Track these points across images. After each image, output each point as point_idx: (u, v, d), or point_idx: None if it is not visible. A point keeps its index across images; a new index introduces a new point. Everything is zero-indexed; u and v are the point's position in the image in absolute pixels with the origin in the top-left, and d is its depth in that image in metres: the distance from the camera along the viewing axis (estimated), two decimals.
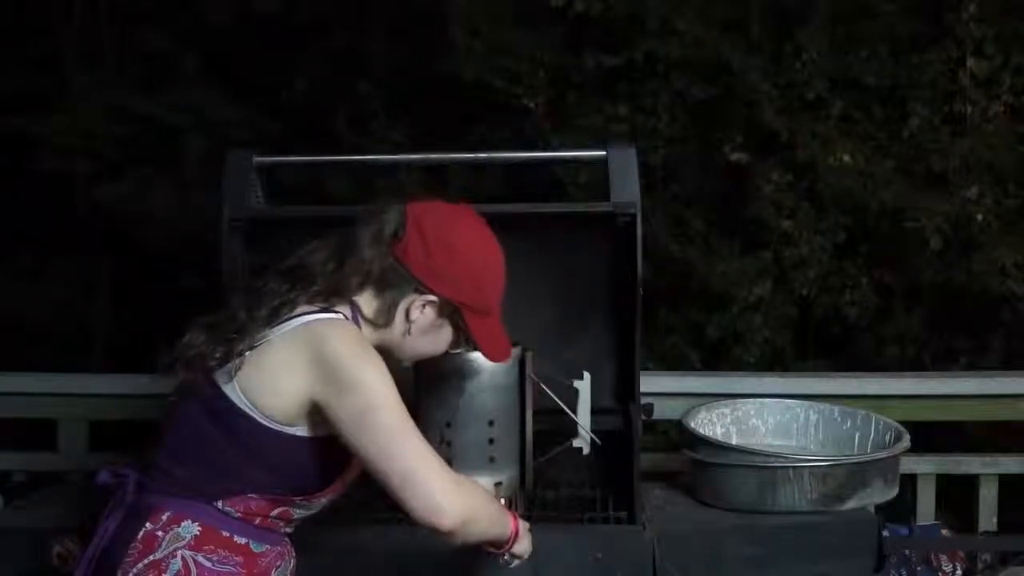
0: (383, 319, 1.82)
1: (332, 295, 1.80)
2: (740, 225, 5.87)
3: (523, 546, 1.95)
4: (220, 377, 1.75)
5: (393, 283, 1.81)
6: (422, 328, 1.84)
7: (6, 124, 6.24)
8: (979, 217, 5.47)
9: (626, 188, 2.62)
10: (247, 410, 1.73)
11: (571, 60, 5.95)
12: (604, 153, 2.71)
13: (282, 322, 1.76)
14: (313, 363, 1.71)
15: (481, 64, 5.80)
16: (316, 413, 1.75)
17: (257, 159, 2.75)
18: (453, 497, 1.72)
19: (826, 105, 5.65)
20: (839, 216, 5.69)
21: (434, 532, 1.73)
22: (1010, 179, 5.59)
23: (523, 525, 1.95)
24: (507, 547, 1.92)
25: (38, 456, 3.79)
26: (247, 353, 1.74)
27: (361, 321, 1.81)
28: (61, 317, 6.89)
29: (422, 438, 1.75)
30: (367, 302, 1.82)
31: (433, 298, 1.82)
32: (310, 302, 1.78)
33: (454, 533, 1.74)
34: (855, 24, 5.79)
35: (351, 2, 6.43)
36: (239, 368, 1.74)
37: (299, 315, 1.76)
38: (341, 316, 1.78)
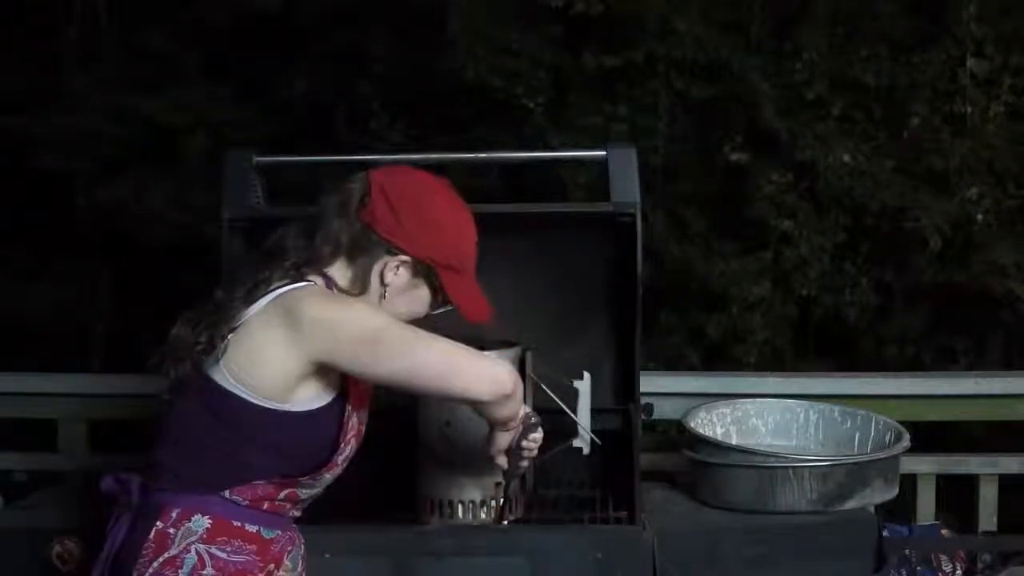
0: (358, 287, 1.82)
1: (304, 267, 1.82)
2: (740, 225, 5.87)
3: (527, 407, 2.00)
4: (208, 365, 1.76)
5: (364, 248, 1.82)
6: (398, 289, 1.85)
7: (6, 124, 6.24)
8: (979, 217, 5.47)
9: (626, 188, 2.62)
10: (239, 393, 1.73)
11: (571, 60, 5.95)
12: (604, 153, 2.71)
13: (257, 300, 1.77)
14: (295, 330, 1.71)
15: (481, 64, 5.80)
16: (319, 378, 1.75)
17: (257, 159, 2.75)
18: (495, 363, 1.82)
19: (826, 105, 5.65)
20: (839, 216, 5.69)
21: (500, 401, 1.80)
22: (1010, 179, 5.59)
23: None
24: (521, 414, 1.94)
25: (38, 456, 3.79)
26: (229, 336, 1.75)
27: (336, 292, 1.82)
28: (61, 317, 6.88)
29: (432, 333, 1.77)
30: (340, 272, 1.83)
31: (406, 258, 1.83)
32: (283, 277, 1.79)
33: (515, 392, 1.82)
34: (855, 24, 5.79)
35: (351, 2, 6.43)
36: (224, 352, 1.74)
37: (272, 290, 1.77)
38: (311, 283, 1.79)
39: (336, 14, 6.46)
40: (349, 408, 1.83)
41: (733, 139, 5.75)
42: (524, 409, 1.95)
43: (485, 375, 1.77)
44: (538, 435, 1.98)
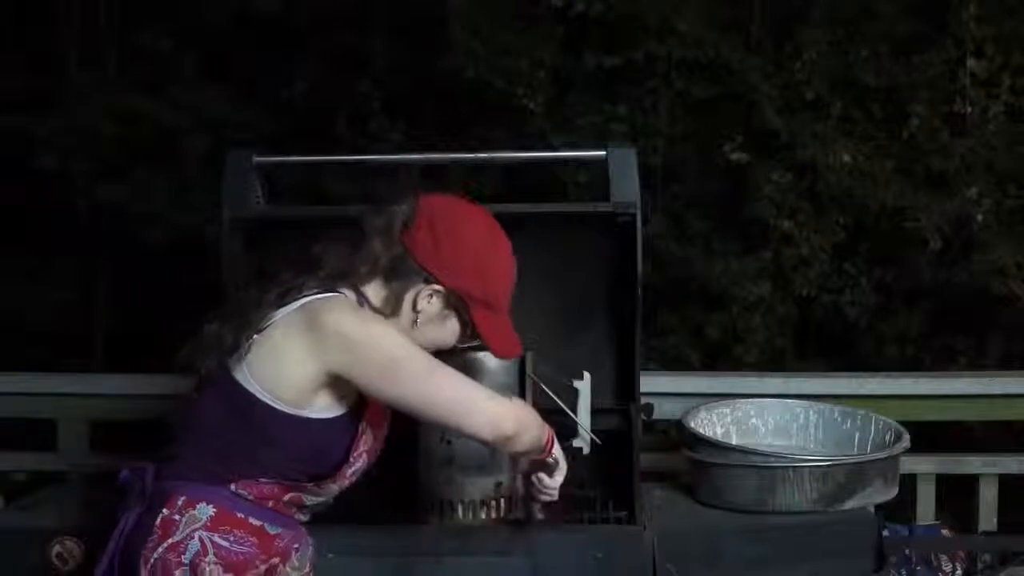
0: (390, 309, 1.84)
1: (337, 280, 1.83)
2: (740, 225, 5.88)
3: (559, 451, 1.99)
4: (232, 363, 1.78)
5: (401, 272, 1.83)
6: (428, 318, 1.86)
7: (6, 124, 6.23)
8: (979, 217, 5.47)
9: (626, 188, 2.63)
10: (257, 394, 1.76)
11: (571, 60, 5.95)
12: (604, 153, 2.71)
13: (287, 304, 1.79)
14: (316, 338, 1.74)
15: (481, 64, 5.80)
16: (334, 388, 1.77)
17: (257, 159, 2.74)
18: (502, 404, 1.82)
19: (826, 105, 5.66)
20: (839, 216, 5.70)
21: (502, 443, 1.83)
22: (1010, 179, 5.59)
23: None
24: (549, 450, 1.95)
25: (38, 456, 3.79)
26: (255, 337, 1.77)
27: (367, 308, 1.83)
28: (61, 317, 6.88)
29: (445, 366, 1.79)
30: (375, 292, 1.85)
31: (440, 288, 1.83)
32: (315, 286, 1.81)
33: (518, 435, 1.83)
34: (855, 24, 5.79)
35: (351, 2, 6.43)
36: (248, 352, 1.77)
37: (303, 296, 1.79)
38: (341, 295, 1.81)
39: (336, 14, 6.46)
40: (364, 424, 1.84)
41: (733, 139, 5.75)
42: (556, 452, 1.97)
43: (489, 417, 1.79)
44: (551, 480, 1.99)
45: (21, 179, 6.46)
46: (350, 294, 1.82)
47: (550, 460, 1.96)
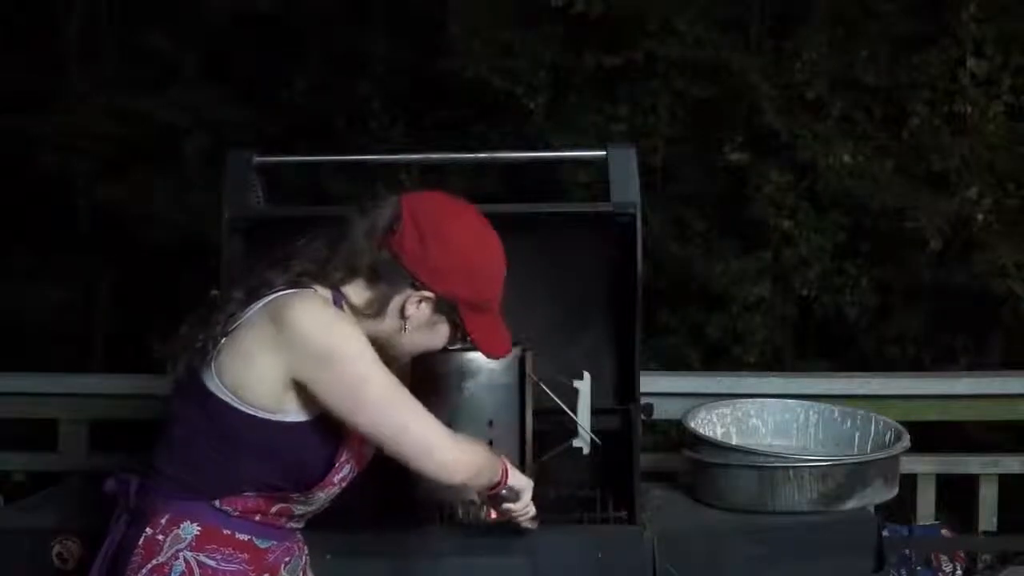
0: (373, 310, 1.76)
1: (309, 277, 1.75)
2: (740, 225, 5.88)
3: (517, 479, 1.97)
4: (202, 368, 1.71)
5: (386, 277, 1.76)
6: (418, 324, 1.79)
7: (7, 123, 6.25)
8: (979, 217, 5.47)
9: (626, 188, 2.62)
10: (227, 399, 1.69)
11: (571, 60, 5.96)
12: (604, 153, 2.71)
13: (253, 303, 1.72)
14: (280, 339, 1.66)
15: (481, 64, 5.81)
16: (302, 393, 1.70)
17: (257, 159, 2.74)
18: (459, 452, 1.79)
19: (826, 105, 5.66)
20: (839, 216, 5.70)
21: (452, 488, 1.84)
22: (1010, 179, 5.60)
23: (506, 460, 1.96)
24: (503, 483, 1.93)
25: (38, 456, 3.80)
26: (223, 339, 1.70)
27: (346, 308, 1.76)
28: (61, 317, 6.90)
29: (412, 399, 1.75)
30: (356, 292, 1.77)
31: (429, 294, 1.76)
32: (284, 283, 1.74)
33: (468, 483, 1.83)
34: (855, 24, 5.80)
35: (351, 2, 6.44)
36: (216, 356, 1.70)
37: (269, 294, 1.72)
38: (310, 290, 1.73)
39: (336, 14, 6.48)
40: (347, 428, 1.76)
41: (733, 139, 5.76)
42: (512, 481, 1.95)
43: (444, 464, 1.76)
44: (512, 505, 1.98)
45: (21, 179, 6.47)
46: (324, 291, 1.75)
47: (504, 492, 1.94)
